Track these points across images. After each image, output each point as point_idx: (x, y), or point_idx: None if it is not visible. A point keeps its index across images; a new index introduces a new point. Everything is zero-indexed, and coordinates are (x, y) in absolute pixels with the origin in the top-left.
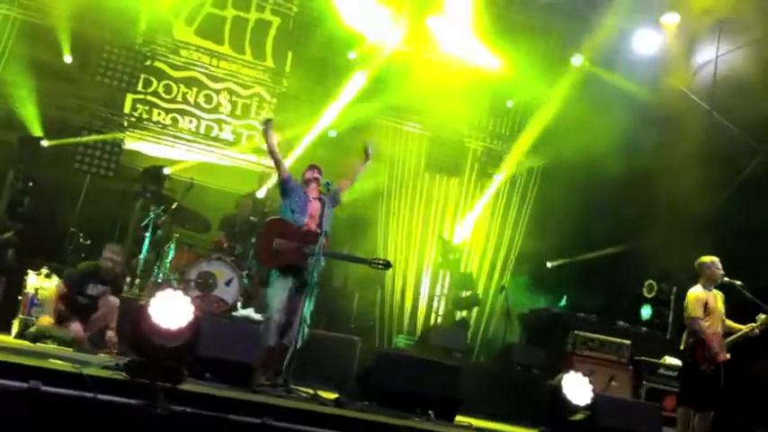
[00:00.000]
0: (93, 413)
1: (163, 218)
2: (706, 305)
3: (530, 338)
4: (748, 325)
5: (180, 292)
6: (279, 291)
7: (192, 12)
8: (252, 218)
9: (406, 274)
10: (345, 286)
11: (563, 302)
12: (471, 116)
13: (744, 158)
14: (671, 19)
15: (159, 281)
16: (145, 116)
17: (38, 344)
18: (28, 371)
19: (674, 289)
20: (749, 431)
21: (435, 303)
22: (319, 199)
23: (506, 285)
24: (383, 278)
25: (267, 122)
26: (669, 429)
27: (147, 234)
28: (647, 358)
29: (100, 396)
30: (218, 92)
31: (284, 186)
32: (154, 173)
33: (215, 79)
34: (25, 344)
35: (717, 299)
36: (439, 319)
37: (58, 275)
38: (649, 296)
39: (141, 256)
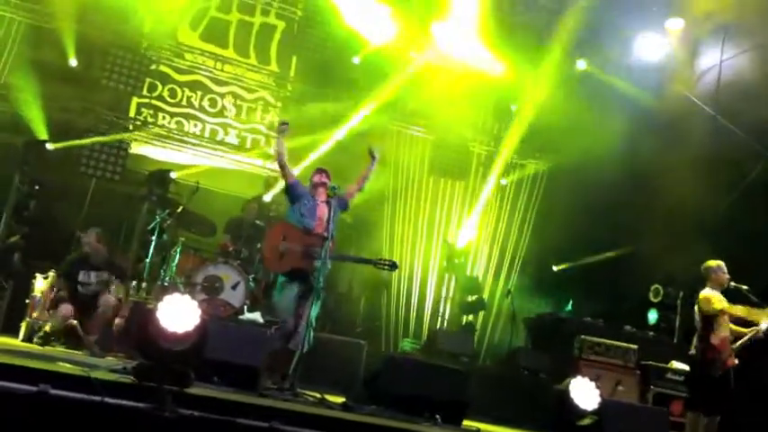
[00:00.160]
0: (101, 416)
1: (169, 221)
2: None
3: (535, 343)
4: (752, 329)
5: (187, 296)
6: (287, 296)
7: (197, 16)
8: (258, 221)
9: (412, 277)
10: (351, 290)
11: (569, 307)
12: (476, 120)
13: (749, 162)
14: (675, 24)
15: (166, 284)
16: (150, 120)
17: (46, 347)
18: (37, 374)
19: (681, 293)
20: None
21: (441, 307)
22: (327, 202)
23: (512, 289)
24: (389, 282)
25: (283, 124)
26: None
27: (153, 238)
28: (654, 363)
29: (108, 399)
30: (222, 96)
31: (292, 191)
32: (160, 176)
33: (219, 83)
34: (34, 347)
35: None
36: (445, 323)
37: None
38: (655, 300)
39: (147, 260)
